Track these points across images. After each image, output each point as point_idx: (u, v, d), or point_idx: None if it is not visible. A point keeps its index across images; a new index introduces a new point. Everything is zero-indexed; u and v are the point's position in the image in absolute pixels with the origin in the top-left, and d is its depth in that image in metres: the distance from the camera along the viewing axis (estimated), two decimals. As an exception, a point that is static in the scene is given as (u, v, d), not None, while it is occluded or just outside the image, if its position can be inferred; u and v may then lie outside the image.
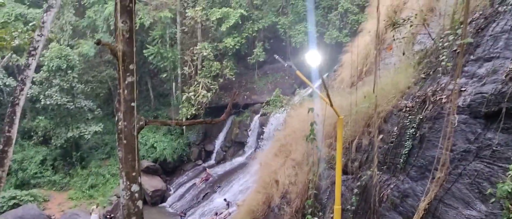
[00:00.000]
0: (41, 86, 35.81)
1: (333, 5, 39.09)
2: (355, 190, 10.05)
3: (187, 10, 38.57)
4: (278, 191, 15.90)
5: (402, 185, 8.66)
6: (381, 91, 10.68)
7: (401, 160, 8.85)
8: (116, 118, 9.07)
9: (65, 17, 39.96)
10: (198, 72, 38.90)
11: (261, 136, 34.21)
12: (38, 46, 14.48)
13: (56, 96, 34.90)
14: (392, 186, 8.87)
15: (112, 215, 30.67)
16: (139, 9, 36.84)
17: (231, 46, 37.77)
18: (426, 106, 8.98)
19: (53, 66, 34.66)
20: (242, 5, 38.50)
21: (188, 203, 33.35)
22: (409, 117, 9.31)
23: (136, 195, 9.37)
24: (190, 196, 34.16)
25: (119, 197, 35.61)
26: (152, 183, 35.86)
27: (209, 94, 36.83)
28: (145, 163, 37.01)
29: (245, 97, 40.20)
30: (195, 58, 38.81)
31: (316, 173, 12.79)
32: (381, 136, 10.20)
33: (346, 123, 12.14)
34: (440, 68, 9.10)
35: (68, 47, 37.03)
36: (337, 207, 6.79)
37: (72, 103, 35.71)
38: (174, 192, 36.45)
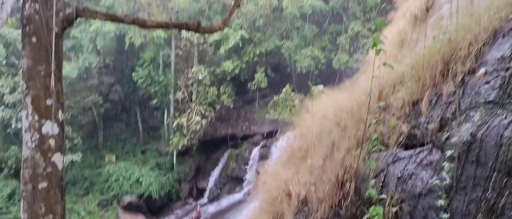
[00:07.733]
0: (14, 109, 31.59)
1: (342, 30, 36.14)
2: (445, 164, 5.76)
3: (182, 31, 35.20)
4: (290, 206, 11.47)
5: None
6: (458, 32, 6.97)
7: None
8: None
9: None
10: (193, 98, 35.00)
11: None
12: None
13: (29, 118, 30.60)
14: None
15: None
16: (129, 27, 33.41)
17: (230, 71, 34.19)
18: None
19: (28, 85, 30.75)
20: (243, 27, 35.20)
21: (174, 245, 28.29)
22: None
23: (51, 142, 5.01)
24: (177, 237, 29.13)
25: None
26: (134, 222, 30.90)
27: (203, 121, 32.71)
28: (128, 199, 32.15)
29: (244, 128, 35.99)
30: (189, 83, 35.00)
31: (359, 155, 8.45)
32: (481, 70, 6.21)
33: (400, 82, 8.19)
34: None
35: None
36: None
37: (47, 128, 31.25)
38: (159, 233, 31.37)
